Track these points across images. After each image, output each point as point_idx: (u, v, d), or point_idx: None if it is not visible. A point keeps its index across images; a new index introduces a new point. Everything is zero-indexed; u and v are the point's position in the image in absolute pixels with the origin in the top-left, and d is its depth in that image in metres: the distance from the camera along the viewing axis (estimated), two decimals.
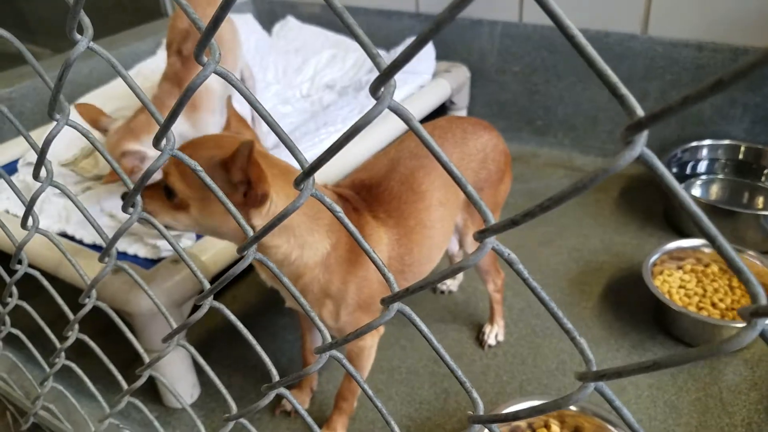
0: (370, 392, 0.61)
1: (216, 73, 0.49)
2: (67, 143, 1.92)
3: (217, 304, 0.68)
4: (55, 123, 0.63)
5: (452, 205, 1.34)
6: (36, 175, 0.75)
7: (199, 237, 1.56)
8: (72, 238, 1.62)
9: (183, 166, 0.94)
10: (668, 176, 0.33)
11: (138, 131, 1.54)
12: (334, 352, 0.61)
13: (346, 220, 0.52)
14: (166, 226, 1.06)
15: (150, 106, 0.56)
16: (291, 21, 2.80)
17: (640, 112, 0.32)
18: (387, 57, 2.43)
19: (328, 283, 1.16)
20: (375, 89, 0.41)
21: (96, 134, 1.37)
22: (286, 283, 0.60)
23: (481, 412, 0.52)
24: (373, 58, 0.41)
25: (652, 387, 1.48)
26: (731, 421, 1.37)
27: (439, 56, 2.39)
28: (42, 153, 0.67)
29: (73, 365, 1.07)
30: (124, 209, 0.67)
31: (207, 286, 0.67)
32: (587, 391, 0.42)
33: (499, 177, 1.41)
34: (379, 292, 1.23)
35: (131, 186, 0.64)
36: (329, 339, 0.60)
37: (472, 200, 0.42)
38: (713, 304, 1.61)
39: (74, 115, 2.11)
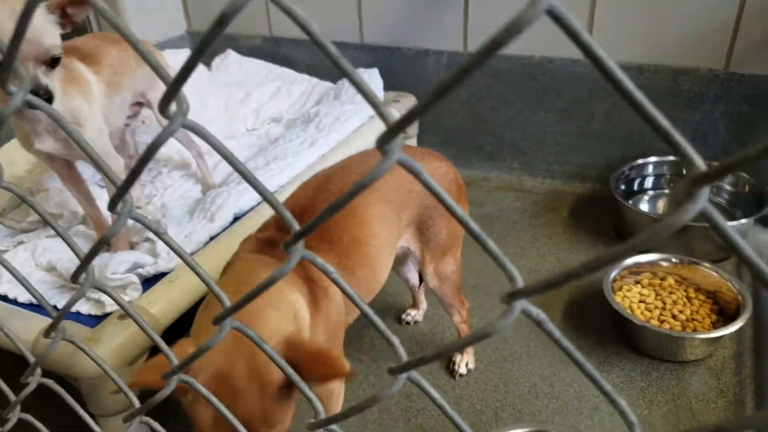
0: None
1: (184, 126, 0.45)
2: None
3: (185, 377, 0.63)
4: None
5: (392, 220, 1.29)
6: (75, 279, 0.67)
7: (146, 286, 1.47)
8: (5, 298, 1.50)
9: None
10: (727, 229, 0.31)
11: None
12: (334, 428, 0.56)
13: (342, 283, 0.48)
14: None
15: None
16: (231, 54, 2.75)
17: (701, 164, 0.29)
18: (333, 89, 2.41)
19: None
20: (382, 143, 0.38)
21: None
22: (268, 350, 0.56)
23: None
24: (379, 111, 0.38)
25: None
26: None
27: (386, 87, 2.39)
28: (93, 253, 0.60)
29: None
30: (74, 280, 0.60)
31: (165, 348, 0.61)
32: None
33: None
34: (339, 322, 1.19)
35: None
36: (321, 409, 0.56)
37: (494, 257, 0.39)
38: (674, 316, 1.64)
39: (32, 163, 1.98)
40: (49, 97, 1.26)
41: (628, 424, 0.39)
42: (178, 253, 0.54)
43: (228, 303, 0.52)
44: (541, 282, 0.36)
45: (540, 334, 1.72)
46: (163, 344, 0.62)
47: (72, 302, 0.61)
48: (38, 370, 0.77)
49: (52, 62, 1.28)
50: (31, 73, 1.23)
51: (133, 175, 0.49)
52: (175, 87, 0.43)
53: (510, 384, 1.59)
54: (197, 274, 0.54)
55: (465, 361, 1.64)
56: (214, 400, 0.62)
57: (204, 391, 0.62)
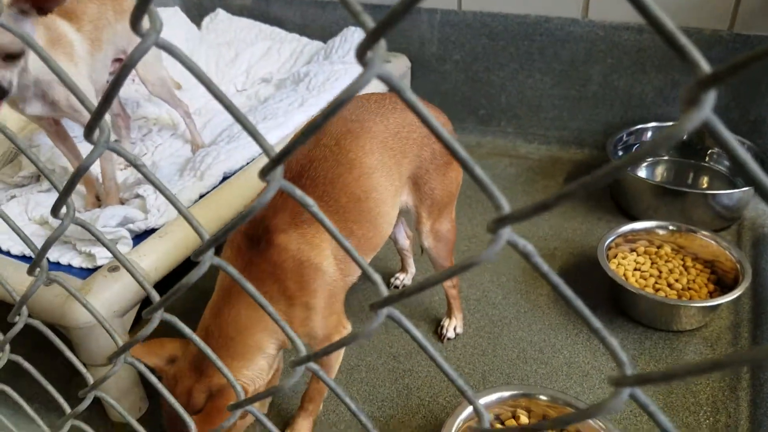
0: (343, 395, 0.55)
1: (157, 45, 0.42)
2: None
3: (169, 316, 0.60)
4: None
5: (391, 169, 1.24)
6: (55, 213, 0.65)
7: (137, 242, 1.45)
8: None
9: None
10: (731, 141, 0.28)
11: None
12: (312, 365, 0.54)
13: (323, 218, 0.45)
14: None
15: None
16: (221, 13, 2.68)
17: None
18: (324, 48, 2.36)
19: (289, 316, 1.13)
20: (362, 53, 0.35)
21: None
22: (250, 290, 0.53)
23: (487, 425, 0.47)
24: (356, 16, 0.34)
25: (614, 370, 1.46)
26: (696, 400, 1.37)
27: None
28: (69, 186, 0.57)
29: (7, 389, 0.95)
30: (54, 214, 0.58)
31: (156, 297, 0.58)
32: (622, 397, 0.36)
33: (444, 161, 1.34)
34: (335, 290, 1.17)
35: (59, 189, 0.55)
36: (304, 352, 0.53)
37: (481, 184, 0.36)
38: (669, 285, 1.61)
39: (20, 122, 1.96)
40: (2, 91, 1.25)
41: (618, 363, 0.37)
42: (159, 188, 0.51)
43: (207, 237, 0.49)
44: (530, 206, 0.33)
45: (530, 300, 1.71)
46: (152, 291, 0.59)
47: (53, 238, 0.58)
48: (24, 309, 0.75)
49: (7, 57, 1.25)
50: None
51: (107, 99, 0.45)
52: (96, 117, 0.41)
53: (498, 349, 1.58)
54: (178, 209, 0.51)
55: (453, 326, 1.62)
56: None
57: None
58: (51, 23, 1.43)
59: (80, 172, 0.51)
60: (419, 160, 1.30)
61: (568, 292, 0.39)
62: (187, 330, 0.62)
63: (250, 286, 0.54)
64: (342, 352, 1.28)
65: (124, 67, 0.43)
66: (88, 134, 0.48)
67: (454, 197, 1.43)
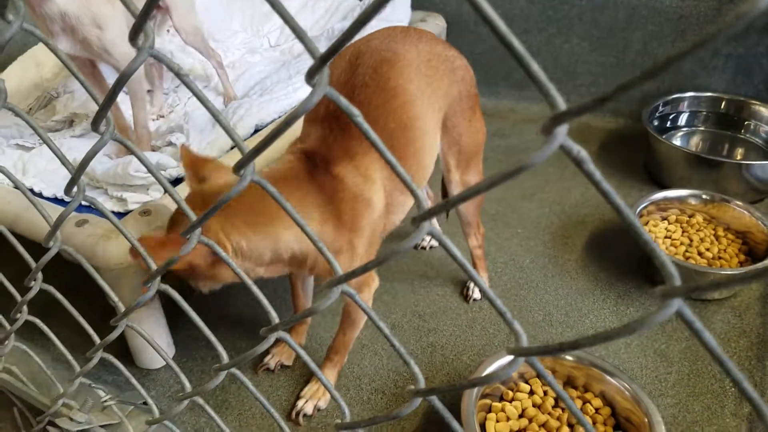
0: (388, 332, 0.55)
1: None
2: (24, 94, 1.80)
3: (205, 239, 0.61)
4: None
5: (431, 98, 1.22)
6: (68, 191, 0.66)
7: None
8: (30, 191, 1.50)
9: None
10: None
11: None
12: (347, 288, 0.54)
13: (367, 128, 0.44)
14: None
15: None
16: None
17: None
18: (359, 5, 2.33)
19: (334, 248, 1.10)
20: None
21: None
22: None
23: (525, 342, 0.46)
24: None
25: (641, 336, 1.46)
26: (722, 387, 1.35)
27: (415, 5, 2.29)
28: (80, 169, 0.59)
29: (37, 321, 0.97)
30: (94, 127, 0.58)
31: (192, 216, 0.59)
32: (670, 309, 0.36)
33: (469, 105, 1.32)
34: (376, 231, 1.16)
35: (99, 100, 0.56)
36: (340, 272, 0.53)
37: (537, 82, 0.35)
38: (700, 254, 1.59)
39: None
40: None
41: (666, 276, 0.36)
42: (200, 98, 0.51)
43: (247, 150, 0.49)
44: (588, 101, 0.32)
45: (558, 265, 1.69)
46: (186, 206, 0.60)
47: (92, 153, 0.59)
48: (58, 235, 0.76)
49: None
50: None
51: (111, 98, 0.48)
52: (142, 19, 0.43)
53: (524, 311, 1.57)
54: (215, 116, 0.51)
55: (473, 288, 1.62)
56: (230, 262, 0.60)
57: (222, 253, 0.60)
58: None
59: (123, 80, 0.51)
60: (449, 97, 1.27)
61: (617, 200, 0.38)
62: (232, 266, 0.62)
63: (289, 207, 0.54)
64: (370, 306, 1.28)
65: (118, 83, 0.47)
66: (133, 37, 0.48)
67: (480, 148, 1.41)
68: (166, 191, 0.60)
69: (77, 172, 0.64)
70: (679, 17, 2.05)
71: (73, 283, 1.04)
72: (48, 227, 0.76)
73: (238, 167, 0.49)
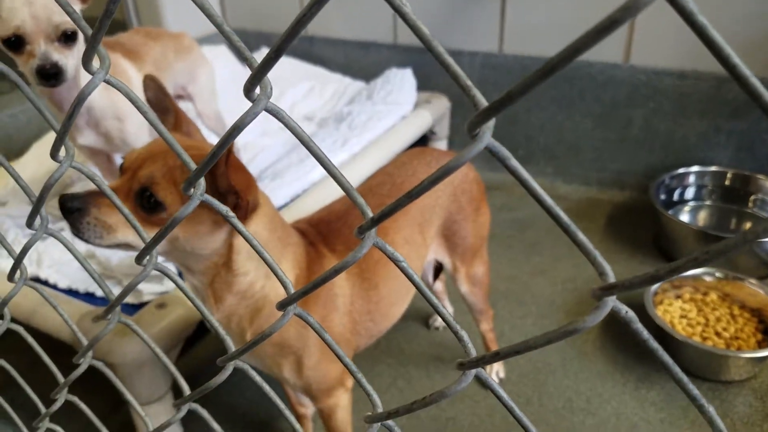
0: None
1: (266, 110, 0.44)
2: (39, 182, 1.82)
3: (242, 364, 0.61)
4: (57, 165, 0.56)
5: (420, 243, 1.27)
6: (30, 224, 0.66)
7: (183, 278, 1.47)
8: (45, 283, 1.51)
9: (176, 173, 0.85)
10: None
11: None
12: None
13: (410, 271, 0.45)
14: (123, 245, 0.90)
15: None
16: (265, 52, 2.74)
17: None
18: (366, 88, 2.39)
19: (287, 326, 1.07)
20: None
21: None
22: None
23: None
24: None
25: (664, 422, 1.43)
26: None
27: (420, 86, 2.36)
28: (40, 199, 0.59)
29: (59, 429, 0.96)
30: (53, 156, 0.58)
31: (232, 347, 0.59)
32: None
33: (473, 207, 1.35)
34: (342, 337, 1.14)
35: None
36: (378, 402, 0.53)
37: (581, 247, 0.36)
38: (717, 334, 1.58)
39: (77, 156, 2.03)
40: (57, 72, 1.21)
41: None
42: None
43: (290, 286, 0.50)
44: (638, 277, 0.33)
45: (575, 347, 1.68)
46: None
47: (135, 282, 0.59)
48: (90, 352, 0.76)
49: (66, 38, 1.23)
50: (42, 49, 1.20)
51: (220, 148, 0.47)
52: (261, 70, 0.43)
53: (544, 397, 1.55)
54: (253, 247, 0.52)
55: (495, 371, 1.60)
56: None
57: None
58: (114, 60, 1.48)
59: (174, 223, 0.52)
60: (446, 214, 1.31)
61: (667, 357, 0.38)
62: (259, 380, 0.62)
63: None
64: (347, 412, 1.21)
65: (234, 128, 0.47)
66: (187, 188, 0.49)
67: (485, 240, 1.43)
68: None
69: (37, 203, 0.63)
70: (679, 95, 2.10)
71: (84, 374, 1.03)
72: (64, 323, 0.76)
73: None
